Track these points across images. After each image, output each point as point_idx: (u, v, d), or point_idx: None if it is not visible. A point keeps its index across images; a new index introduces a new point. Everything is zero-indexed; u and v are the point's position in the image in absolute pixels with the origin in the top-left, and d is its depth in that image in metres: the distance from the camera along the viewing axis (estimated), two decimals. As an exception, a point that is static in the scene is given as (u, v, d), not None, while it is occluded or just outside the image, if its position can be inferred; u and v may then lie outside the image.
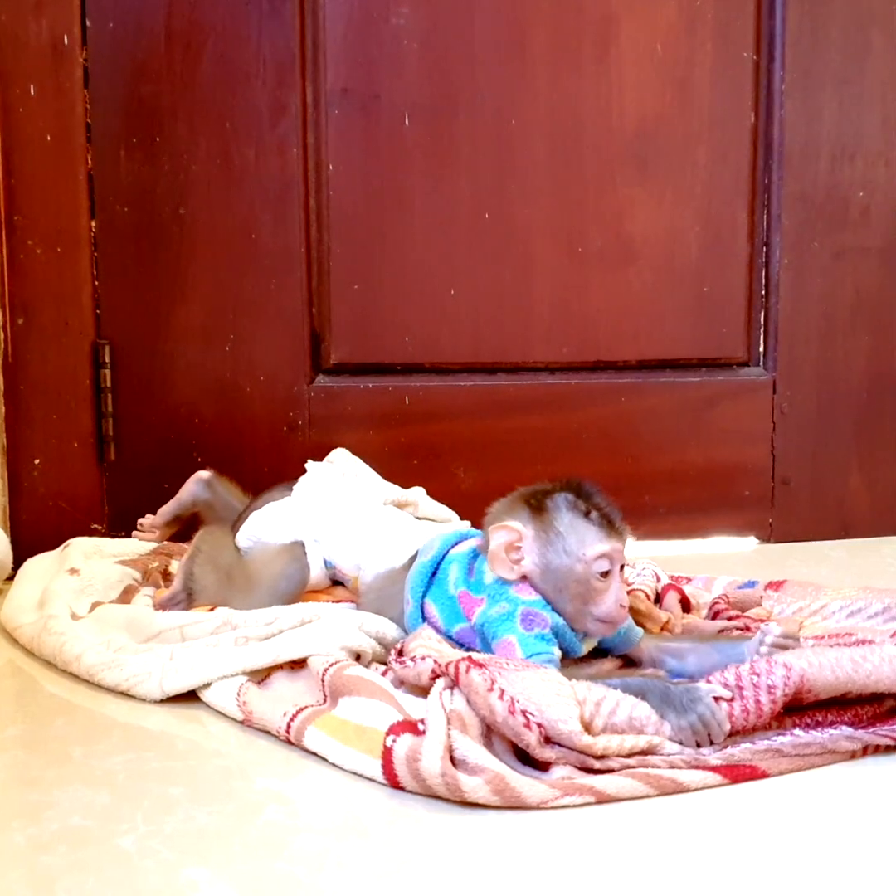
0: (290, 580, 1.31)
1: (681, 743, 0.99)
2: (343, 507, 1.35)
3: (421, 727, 0.97)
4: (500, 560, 1.14)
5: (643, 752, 0.98)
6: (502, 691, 0.97)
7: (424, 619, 1.21)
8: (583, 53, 1.65)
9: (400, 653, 1.16)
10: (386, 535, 1.30)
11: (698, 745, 0.99)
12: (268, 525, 1.35)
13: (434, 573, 1.22)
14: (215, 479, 1.47)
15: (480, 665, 1.00)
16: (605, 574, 1.12)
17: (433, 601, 1.21)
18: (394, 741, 0.96)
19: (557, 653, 1.11)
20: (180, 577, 1.34)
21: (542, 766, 0.96)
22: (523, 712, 0.96)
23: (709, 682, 1.02)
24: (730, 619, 1.25)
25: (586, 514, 1.13)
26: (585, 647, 1.16)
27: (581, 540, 1.13)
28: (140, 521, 1.51)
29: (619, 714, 0.99)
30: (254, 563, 1.34)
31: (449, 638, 1.19)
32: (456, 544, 1.23)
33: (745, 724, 1.00)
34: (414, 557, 1.26)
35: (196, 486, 1.47)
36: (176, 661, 1.16)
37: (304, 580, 1.32)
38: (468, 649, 1.16)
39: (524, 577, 1.14)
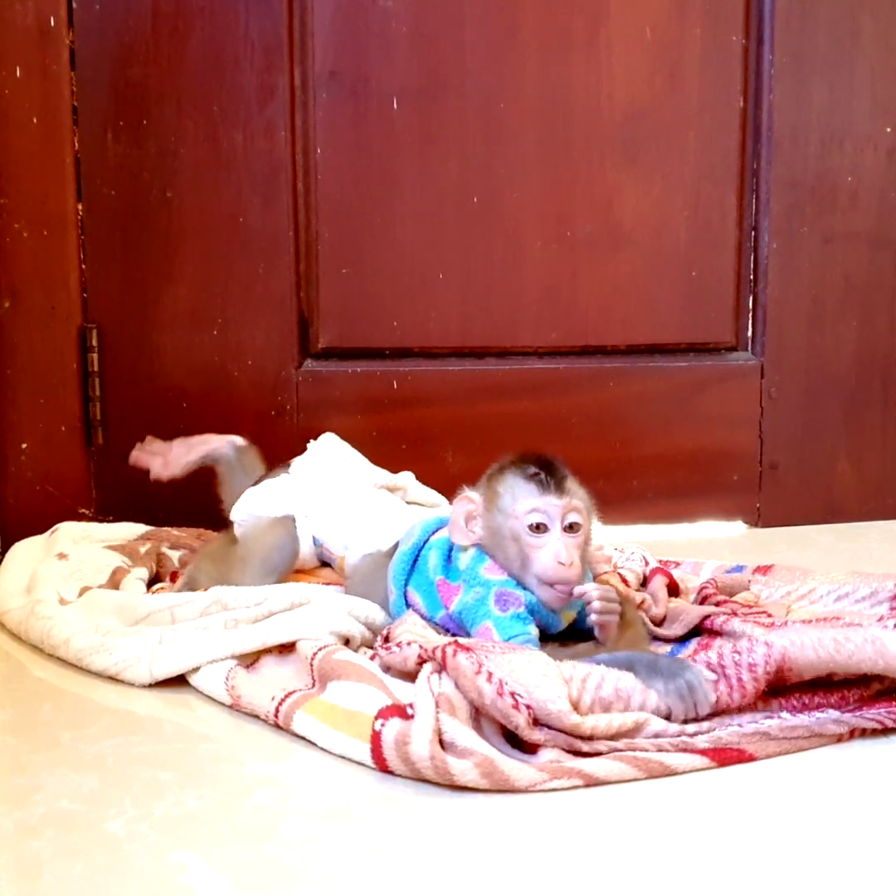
0: (282, 552, 1.33)
1: (669, 711, 1.00)
2: (335, 487, 1.35)
3: (410, 711, 0.97)
4: (458, 528, 1.18)
5: (630, 732, 0.98)
6: (490, 674, 0.97)
7: (408, 606, 1.22)
8: (572, 37, 1.65)
9: (386, 639, 1.17)
10: (373, 518, 1.31)
11: (685, 718, 0.99)
12: (261, 499, 1.36)
13: (416, 560, 1.23)
14: (248, 449, 1.46)
15: (467, 649, 1.00)
16: (538, 528, 1.13)
17: (415, 588, 1.22)
18: (382, 725, 0.96)
19: (534, 631, 1.12)
20: (183, 580, 1.35)
21: (530, 750, 0.97)
22: (512, 694, 0.96)
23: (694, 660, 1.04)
24: (718, 603, 1.26)
25: (530, 475, 1.15)
26: (565, 621, 1.17)
27: (514, 496, 1.15)
28: (150, 440, 1.48)
29: (604, 688, 1.00)
30: (246, 536, 1.35)
31: (434, 624, 1.19)
32: (437, 530, 1.24)
33: (730, 703, 1.01)
34: (395, 548, 1.26)
35: (228, 447, 1.46)
36: (165, 645, 1.16)
37: (295, 552, 1.33)
38: (453, 635, 1.17)
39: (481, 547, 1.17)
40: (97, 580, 1.37)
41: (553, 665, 1.01)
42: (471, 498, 1.18)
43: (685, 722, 1.00)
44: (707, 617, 1.21)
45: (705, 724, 0.99)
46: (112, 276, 1.59)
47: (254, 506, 1.36)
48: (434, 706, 0.96)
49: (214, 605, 1.23)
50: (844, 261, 1.73)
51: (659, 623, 1.25)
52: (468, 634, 1.15)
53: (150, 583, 1.39)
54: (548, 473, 1.15)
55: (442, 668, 1.01)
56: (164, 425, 1.60)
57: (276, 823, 0.88)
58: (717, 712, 1.01)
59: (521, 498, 1.14)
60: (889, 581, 1.26)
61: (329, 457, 1.40)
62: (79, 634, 1.21)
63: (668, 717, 1.00)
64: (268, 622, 1.18)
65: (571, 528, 1.14)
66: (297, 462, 1.39)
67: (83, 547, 1.45)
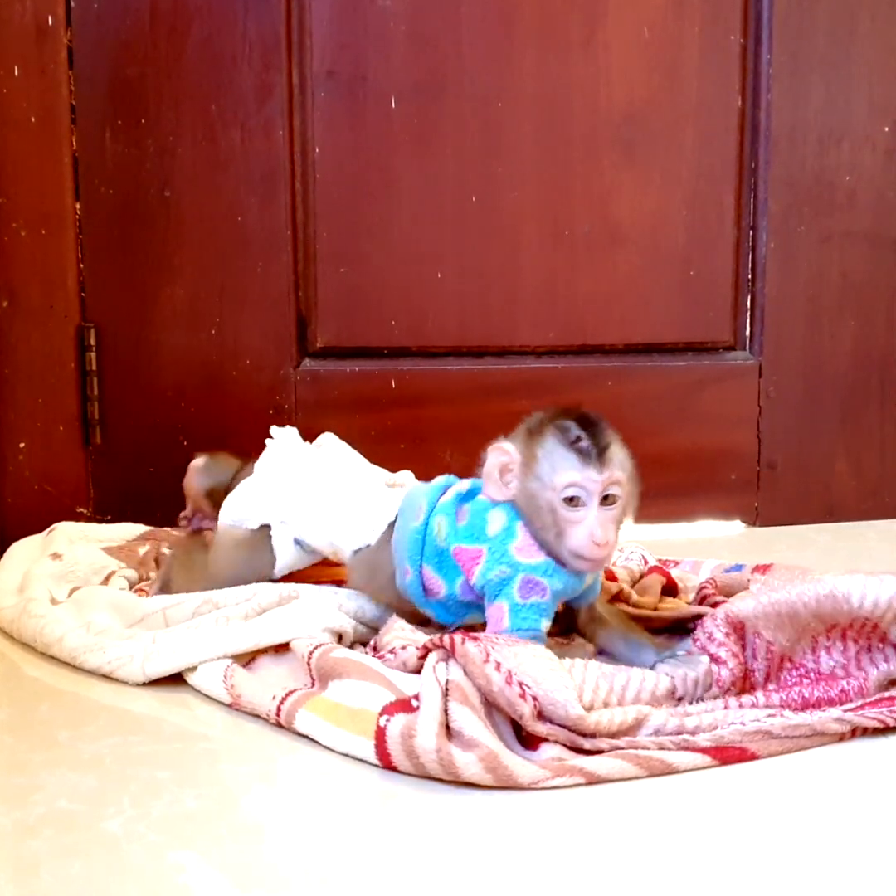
0: (250, 567, 1.27)
1: (673, 685, 1.04)
2: (310, 483, 1.28)
3: (415, 703, 0.97)
4: (492, 480, 1.14)
5: (632, 728, 0.98)
6: (498, 663, 0.97)
7: (424, 587, 1.18)
8: (570, 36, 1.64)
9: (375, 649, 1.16)
10: (356, 511, 1.25)
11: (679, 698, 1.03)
12: (236, 507, 1.30)
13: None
14: (211, 462, 1.40)
15: (475, 638, 1.01)
16: (574, 501, 1.09)
17: (427, 563, 1.17)
18: (387, 721, 0.96)
19: (546, 626, 1.11)
20: (157, 585, 1.34)
21: (533, 746, 0.97)
22: (520, 683, 0.96)
23: None
24: (715, 604, 1.25)
25: (572, 442, 1.10)
26: (584, 584, 1.15)
27: (553, 467, 1.10)
28: (181, 515, 1.44)
29: (604, 669, 1.04)
30: (216, 550, 1.31)
31: (454, 600, 1.16)
32: (440, 497, 1.21)
33: (718, 674, 1.03)
34: (391, 527, 1.22)
35: (196, 478, 1.40)
36: (158, 644, 1.16)
37: (267, 570, 1.28)
38: (469, 605, 1.16)
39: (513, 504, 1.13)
40: (91, 581, 1.37)
41: (557, 660, 1.01)
42: (505, 449, 1.13)
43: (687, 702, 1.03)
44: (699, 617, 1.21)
45: (708, 723, 0.99)
46: (110, 276, 1.59)
47: (232, 514, 1.30)
48: (440, 695, 0.96)
49: (205, 605, 1.23)
50: (842, 260, 1.73)
51: (652, 610, 1.26)
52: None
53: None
54: (591, 440, 1.09)
55: (450, 655, 1.01)
56: (162, 425, 1.60)
57: (275, 822, 0.88)
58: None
59: (560, 469, 1.09)
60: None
61: (295, 446, 1.34)
62: (71, 633, 1.21)
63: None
64: (260, 620, 1.18)
65: (608, 499, 1.10)
66: (259, 464, 1.32)
67: (79, 547, 1.45)
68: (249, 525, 1.28)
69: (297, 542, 1.29)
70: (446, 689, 0.97)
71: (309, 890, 0.79)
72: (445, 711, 0.95)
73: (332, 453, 1.33)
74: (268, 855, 0.83)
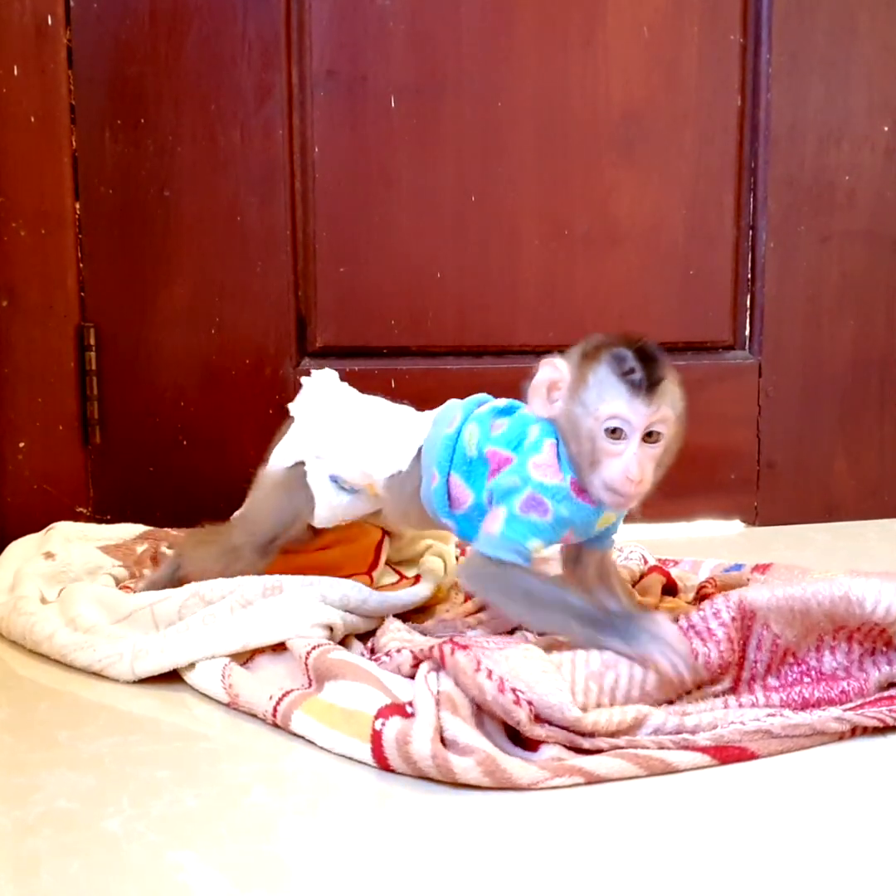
0: (291, 515, 1.25)
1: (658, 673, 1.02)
2: (342, 417, 1.26)
3: (409, 709, 0.97)
4: (538, 395, 1.10)
5: (631, 728, 0.98)
6: (490, 671, 0.97)
7: (450, 497, 1.16)
8: (569, 35, 1.65)
9: (372, 651, 1.16)
10: (386, 437, 1.22)
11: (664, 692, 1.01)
12: (276, 451, 1.28)
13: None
14: None
15: (464, 647, 1.01)
16: (615, 433, 1.05)
17: (456, 471, 1.16)
18: (383, 725, 0.96)
19: (536, 549, 1.09)
20: (164, 568, 1.33)
21: (532, 747, 0.97)
22: (513, 690, 0.96)
23: None
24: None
25: (624, 373, 1.05)
26: (600, 524, 1.13)
27: (601, 394, 1.06)
28: None
29: (592, 663, 1.02)
30: (254, 501, 1.29)
31: (479, 511, 1.14)
32: (476, 410, 1.19)
33: (709, 654, 1.03)
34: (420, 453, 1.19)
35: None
36: (148, 642, 1.16)
37: (306, 513, 1.25)
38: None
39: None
40: (83, 581, 1.36)
41: (549, 661, 1.01)
42: (557, 367, 1.09)
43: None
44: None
45: (707, 722, 0.99)
46: (109, 275, 1.59)
47: (272, 459, 1.28)
48: (434, 705, 0.96)
49: (192, 598, 1.23)
50: (842, 259, 1.73)
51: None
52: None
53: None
54: (645, 373, 1.05)
55: (440, 666, 1.01)
56: (162, 424, 1.60)
57: (273, 822, 0.88)
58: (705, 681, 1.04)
59: (607, 399, 1.05)
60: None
61: (328, 386, 1.31)
62: (61, 630, 1.21)
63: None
64: (248, 618, 1.17)
65: (651, 436, 1.06)
66: (293, 405, 1.29)
67: (75, 546, 1.45)
68: (285, 464, 1.26)
69: (334, 479, 1.25)
70: (438, 700, 0.97)
71: (308, 889, 0.79)
72: (440, 718, 0.95)
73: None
74: (267, 854, 0.83)
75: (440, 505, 1.17)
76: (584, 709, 0.98)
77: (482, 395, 1.22)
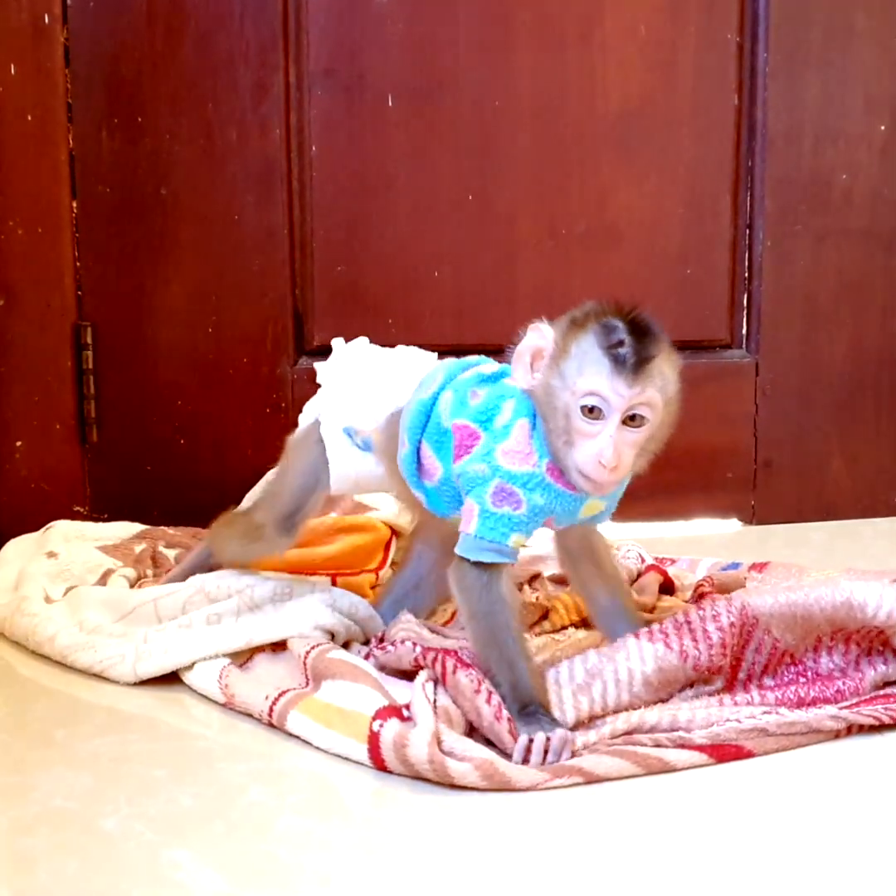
0: (311, 476, 1.19)
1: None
2: (357, 366, 1.21)
3: (406, 713, 0.97)
4: (521, 363, 1.02)
5: (626, 732, 0.98)
6: (490, 694, 0.98)
7: (420, 463, 1.10)
8: (567, 35, 1.64)
9: (381, 640, 1.16)
10: (391, 377, 1.16)
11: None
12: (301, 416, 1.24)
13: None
14: None
15: (467, 665, 1.01)
16: (592, 412, 0.97)
17: (427, 440, 1.08)
18: (380, 726, 0.96)
19: (516, 542, 1.02)
20: (197, 552, 1.31)
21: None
22: (509, 719, 0.97)
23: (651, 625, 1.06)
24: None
25: (610, 346, 0.97)
26: (587, 512, 1.05)
27: (580, 367, 0.97)
28: None
29: (576, 675, 1.03)
30: (278, 468, 1.24)
31: (449, 486, 1.08)
32: (461, 375, 1.11)
33: (699, 656, 1.03)
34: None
35: None
36: (150, 643, 1.16)
37: (324, 475, 1.18)
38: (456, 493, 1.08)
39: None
40: (86, 580, 1.36)
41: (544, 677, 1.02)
42: (544, 333, 1.01)
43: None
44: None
45: (702, 719, 0.99)
46: (107, 274, 1.59)
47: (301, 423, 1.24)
48: (432, 711, 0.97)
49: (197, 595, 1.22)
50: (839, 258, 1.73)
51: (651, 610, 1.26)
52: (460, 499, 1.06)
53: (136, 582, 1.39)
54: (634, 348, 0.96)
55: (440, 681, 1.01)
56: (159, 423, 1.60)
57: (270, 821, 0.88)
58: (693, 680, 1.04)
59: (587, 373, 0.96)
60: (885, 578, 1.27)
61: (352, 352, 1.26)
62: (64, 631, 1.20)
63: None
64: (251, 618, 1.18)
65: (633, 419, 0.98)
66: (320, 366, 1.25)
67: (75, 546, 1.45)
68: (304, 423, 1.22)
69: (348, 433, 1.18)
70: (435, 710, 0.97)
71: (305, 888, 0.79)
72: (437, 727, 0.96)
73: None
74: (263, 853, 0.83)
75: (409, 473, 1.11)
76: (577, 724, 0.99)
77: (473, 359, 1.14)
